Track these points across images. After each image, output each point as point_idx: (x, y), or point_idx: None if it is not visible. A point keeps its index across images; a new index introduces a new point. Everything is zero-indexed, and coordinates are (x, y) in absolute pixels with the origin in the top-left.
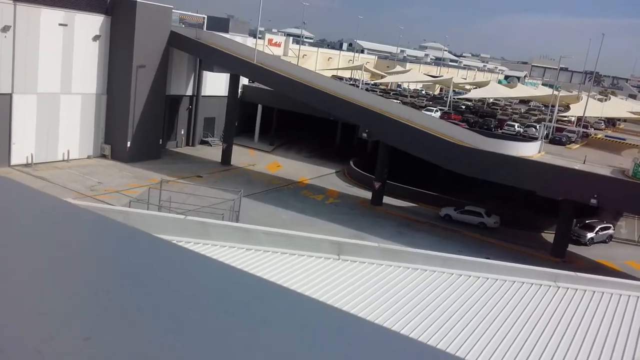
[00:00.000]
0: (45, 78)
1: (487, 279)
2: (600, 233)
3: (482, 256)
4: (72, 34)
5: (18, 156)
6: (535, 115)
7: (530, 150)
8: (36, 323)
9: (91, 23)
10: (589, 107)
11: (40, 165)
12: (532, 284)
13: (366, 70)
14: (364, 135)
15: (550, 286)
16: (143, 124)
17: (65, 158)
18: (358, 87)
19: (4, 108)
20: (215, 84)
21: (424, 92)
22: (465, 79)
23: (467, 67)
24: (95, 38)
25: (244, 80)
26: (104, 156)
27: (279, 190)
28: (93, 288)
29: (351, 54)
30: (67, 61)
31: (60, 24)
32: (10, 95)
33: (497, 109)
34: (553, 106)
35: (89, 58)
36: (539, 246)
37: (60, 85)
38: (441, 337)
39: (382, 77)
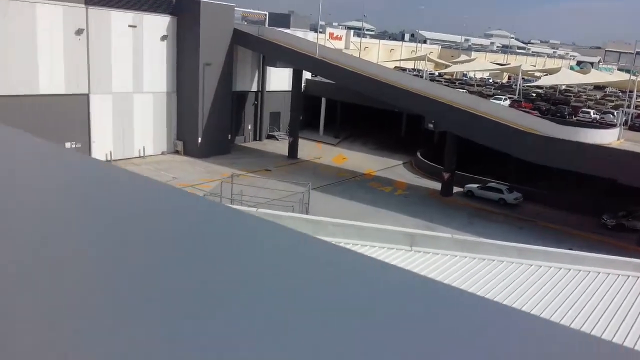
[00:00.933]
0: (119, 78)
1: (569, 270)
2: None
3: (563, 247)
4: (141, 34)
5: (98, 154)
6: (612, 101)
7: (608, 138)
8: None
9: (158, 23)
10: None
11: (119, 162)
12: (618, 275)
13: (430, 60)
14: (430, 126)
15: (638, 277)
16: (212, 120)
17: (141, 154)
18: (422, 77)
19: (82, 108)
20: (280, 78)
21: (491, 80)
22: (534, 66)
23: (536, 54)
24: (163, 38)
25: (307, 75)
26: (177, 152)
27: (347, 183)
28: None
29: (413, 44)
30: (137, 61)
31: (129, 26)
32: (88, 95)
33: (571, 96)
34: (631, 91)
35: (158, 57)
36: (623, 236)
37: (133, 85)
38: None
39: (447, 66)
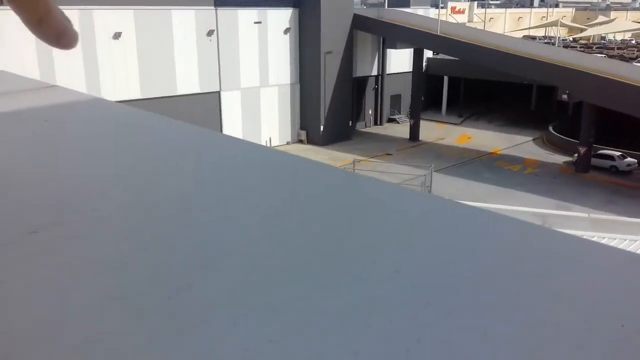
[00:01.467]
0: (246, 74)
1: None
2: None
3: None
4: (266, 29)
5: None
6: None
7: None
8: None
9: (281, 17)
10: None
11: None
12: None
13: (562, 25)
14: (564, 97)
15: None
16: (333, 107)
17: (268, 145)
18: (554, 45)
19: (214, 104)
20: (399, 60)
21: (634, 41)
22: None
23: None
24: (286, 31)
25: (428, 54)
26: (300, 141)
27: (471, 163)
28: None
29: (544, 9)
30: (263, 56)
31: (255, 22)
32: (219, 92)
33: None
34: None
35: (282, 50)
36: None
37: (259, 79)
38: None
39: (582, 30)
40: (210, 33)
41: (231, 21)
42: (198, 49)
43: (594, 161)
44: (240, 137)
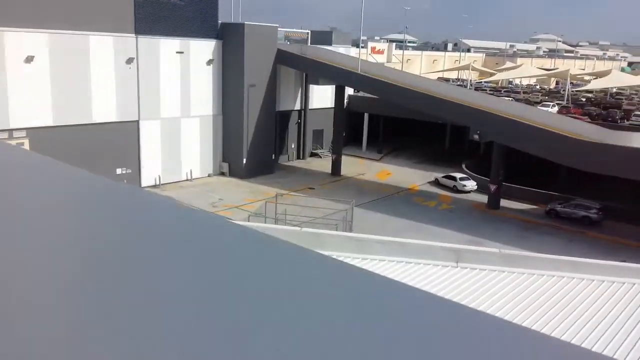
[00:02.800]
0: (167, 104)
1: (624, 283)
2: None
3: (616, 259)
4: (188, 60)
5: (147, 178)
6: None
7: None
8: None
9: (204, 48)
10: None
11: (167, 186)
12: None
13: (474, 69)
14: (476, 136)
15: None
16: (256, 140)
17: (189, 177)
18: (466, 87)
19: (132, 134)
20: (322, 96)
21: (538, 87)
22: (583, 69)
23: (585, 57)
24: (209, 62)
25: (349, 91)
26: (222, 174)
27: (390, 198)
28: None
29: (457, 54)
30: (185, 86)
31: (177, 52)
32: (137, 122)
33: (622, 99)
34: None
35: (204, 81)
36: None
37: (181, 110)
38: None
39: (491, 74)
40: (129, 61)
41: (152, 50)
42: (117, 76)
43: (441, 180)
44: (159, 169)
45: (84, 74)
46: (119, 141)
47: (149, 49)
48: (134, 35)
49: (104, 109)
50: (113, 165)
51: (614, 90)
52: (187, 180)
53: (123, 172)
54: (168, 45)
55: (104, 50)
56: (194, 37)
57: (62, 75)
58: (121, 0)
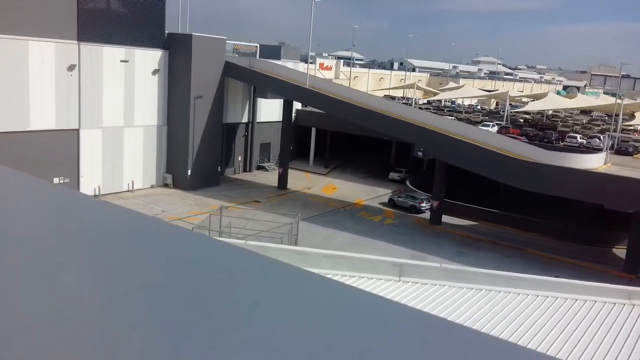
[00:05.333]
0: (110, 112)
1: (557, 298)
2: None
3: (550, 275)
4: (133, 69)
5: (86, 188)
6: (599, 125)
7: (595, 162)
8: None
9: (150, 58)
10: None
11: (107, 196)
12: (605, 302)
13: (418, 88)
14: (419, 153)
15: (624, 304)
16: (202, 152)
17: (130, 188)
18: (411, 105)
19: (72, 143)
20: (270, 109)
21: (479, 107)
22: (521, 91)
23: (523, 80)
24: (155, 72)
25: (297, 105)
26: (166, 185)
27: (336, 213)
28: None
29: (402, 73)
30: (129, 95)
31: (121, 61)
32: (78, 130)
33: (558, 121)
34: (617, 115)
35: (150, 91)
36: (610, 262)
37: (124, 119)
38: None
39: (435, 94)
40: (71, 68)
41: (95, 57)
42: (57, 83)
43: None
44: (100, 179)
45: (22, 79)
46: (57, 150)
47: (92, 56)
48: (76, 41)
49: (43, 116)
50: (50, 174)
51: (550, 112)
52: (128, 190)
53: (60, 181)
54: (112, 53)
55: (44, 56)
56: (139, 46)
57: None
58: (64, 7)
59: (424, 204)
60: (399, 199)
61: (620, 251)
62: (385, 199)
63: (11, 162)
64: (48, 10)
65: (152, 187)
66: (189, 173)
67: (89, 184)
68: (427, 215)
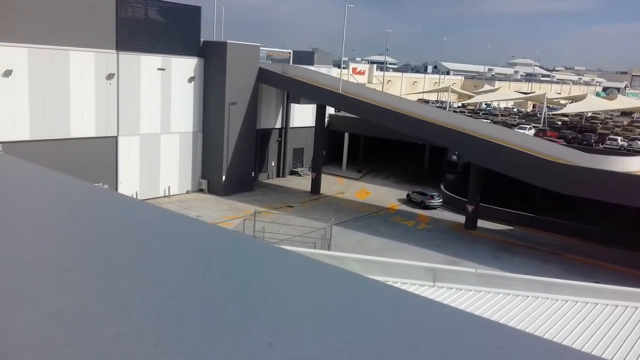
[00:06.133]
0: (147, 120)
1: (597, 304)
2: None
3: (590, 280)
4: (170, 77)
5: (124, 194)
6: None
7: (636, 165)
8: None
9: (186, 66)
10: None
11: None
12: None
13: (453, 91)
14: (454, 157)
15: None
16: (236, 158)
17: (167, 194)
18: (445, 109)
19: (110, 150)
20: (303, 115)
21: (515, 110)
22: (559, 93)
23: (561, 82)
24: (190, 79)
25: (330, 110)
26: (201, 190)
27: (369, 217)
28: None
29: (436, 76)
30: (165, 103)
31: (158, 69)
32: (116, 137)
33: (597, 123)
34: None
35: (185, 98)
36: None
37: (161, 126)
38: None
39: (470, 97)
40: (110, 76)
41: (133, 66)
42: (96, 92)
43: (412, 196)
44: (137, 185)
45: (63, 88)
46: (96, 156)
47: (130, 65)
48: (114, 51)
49: (83, 124)
50: (89, 180)
51: (589, 114)
52: (165, 196)
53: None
54: (149, 62)
55: (84, 65)
56: (175, 55)
57: (41, 89)
58: (103, 17)
59: (433, 200)
60: (414, 194)
61: None
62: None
63: (53, 169)
64: (88, 20)
65: (187, 192)
66: (224, 178)
67: (126, 190)
68: (454, 217)
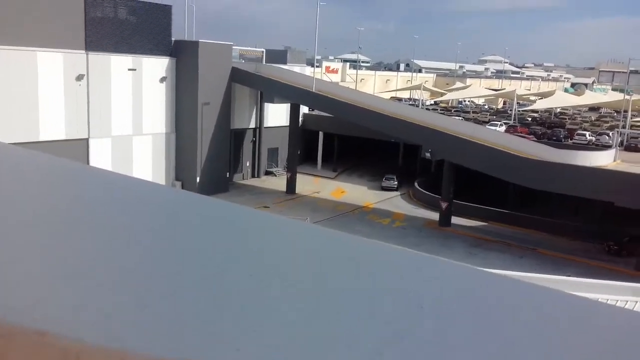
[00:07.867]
0: (118, 121)
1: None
2: None
3: (562, 274)
4: (141, 77)
5: None
6: (607, 122)
7: (604, 159)
8: None
9: (157, 66)
10: None
11: None
12: (617, 300)
13: (425, 89)
14: (427, 155)
15: (637, 301)
16: (210, 158)
17: None
18: (418, 106)
19: (81, 152)
20: (277, 114)
21: (486, 106)
22: (529, 90)
23: (531, 78)
24: (162, 80)
25: (304, 109)
26: None
27: (345, 216)
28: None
29: (409, 74)
30: (137, 104)
31: (129, 69)
32: (87, 140)
33: (566, 119)
34: (626, 111)
35: (157, 99)
36: (622, 261)
37: (132, 127)
38: None
39: (442, 94)
40: (80, 77)
41: (103, 67)
42: (65, 94)
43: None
44: None
45: (31, 90)
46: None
47: (100, 65)
48: (84, 51)
49: (52, 126)
50: None
51: (558, 110)
52: None
53: None
54: (120, 62)
55: (52, 66)
56: (146, 55)
57: (8, 91)
58: (72, 16)
59: (387, 182)
60: (384, 181)
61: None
62: (394, 202)
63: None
64: (56, 20)
65: None
66: (198, 180)
67: None
68: (429, 214)
